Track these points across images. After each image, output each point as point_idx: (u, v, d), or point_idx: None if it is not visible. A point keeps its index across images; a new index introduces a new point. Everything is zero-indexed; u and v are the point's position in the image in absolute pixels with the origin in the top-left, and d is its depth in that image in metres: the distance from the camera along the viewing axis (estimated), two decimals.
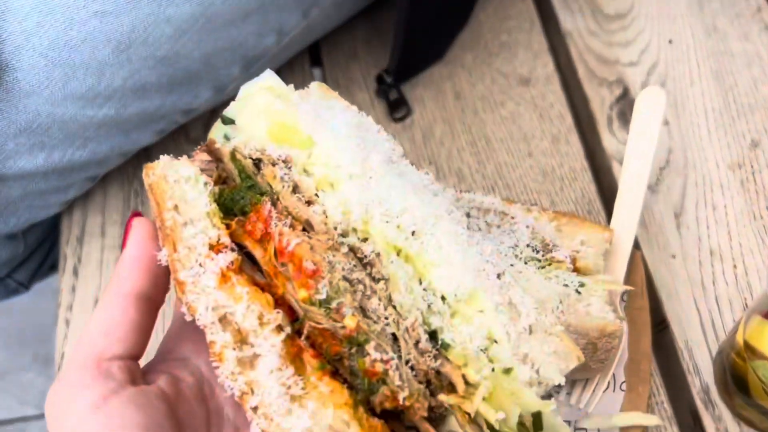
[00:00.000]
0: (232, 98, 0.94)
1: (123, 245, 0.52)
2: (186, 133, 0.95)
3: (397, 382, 0.47)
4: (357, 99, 1.00)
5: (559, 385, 0.79)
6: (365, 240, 0.52)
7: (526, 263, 0.73)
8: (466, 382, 0.49)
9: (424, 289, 0.51)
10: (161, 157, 0.53)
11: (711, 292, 0.87)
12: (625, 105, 1.00)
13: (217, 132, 0.59)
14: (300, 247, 0.49)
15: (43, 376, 1.75)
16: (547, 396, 0.52)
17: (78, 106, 0.75)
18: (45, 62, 0.72)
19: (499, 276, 0.53)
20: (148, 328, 0.51)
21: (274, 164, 0.54)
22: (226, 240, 0.51)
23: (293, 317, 0.50)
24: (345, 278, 0.49)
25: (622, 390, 0.77)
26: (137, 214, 0.53)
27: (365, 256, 0.51)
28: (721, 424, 0.80)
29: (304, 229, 0.52)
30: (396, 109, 0.98)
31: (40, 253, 0.95)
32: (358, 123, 0.57)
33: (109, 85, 0.75)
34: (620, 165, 0.95)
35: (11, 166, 0.76)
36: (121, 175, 0.92)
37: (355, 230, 0.52)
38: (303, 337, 0.49)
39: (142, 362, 0.53)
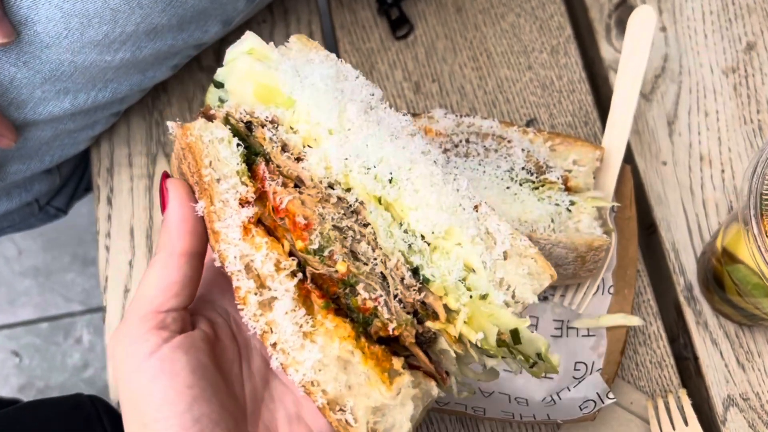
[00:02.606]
0: (240, 29, 0.98)
1: (163, 206, 0.57)
2: (199, 63, 0.99)
3: (386, 316, 0.54)
4: (360, 17, 1.02)
5: (551, 287, 0.87)
6: (349, 190, 0.57)
7: (521, 185, 0.79)
8: (448, 310, 0.55)
9: (405, 231, 0.57)
10: (197, 121, 0.58)
11: (699, 196, 0.94)
12: (623, 12, 1.01)
13: (211, 96, 0.63)
14: (292, 204, 0.55)
15: (83, 275, 1.88)
16: (524, 313, 0.58)
17: (96, 52, 0.80)
18: (61, 14, 0.76)
19: (476, 208, 0.58)
20: (197, 279, 0.57)
21: (263, 126, 0.60)
22: (252, 196, 0.56)
23: (300, 262, 0.56)
24: (335, 227, 0.55)
25: (610, 293, 0.85)
26: (166, 175, 0.59)
27: (351, 205, 0.57)
28: (701, 317, 0.89)
29: (295, 185, 0.57)
30: (398, 27, 1.01)
31: (74, 179, 1.03)
32: (336, 73, 0.61)
33: (123, 30, 0.79)
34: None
35: (41, 112, 0.82)
36: (141, 108, 0.97)
37: (339, 182, 0.57)
38: (309, 281, 0.55)
39: None
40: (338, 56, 1.01)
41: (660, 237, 0.92)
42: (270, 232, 0.57)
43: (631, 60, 0.83)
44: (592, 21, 1.02)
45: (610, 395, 0.77)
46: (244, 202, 0.56)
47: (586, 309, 0.86)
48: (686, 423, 0.82)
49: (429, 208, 0.56)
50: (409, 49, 1.01)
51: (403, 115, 0.62)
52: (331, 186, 0.57)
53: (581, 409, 0.77)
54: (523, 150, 0.81)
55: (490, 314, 0.55)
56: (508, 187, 0.78)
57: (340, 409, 0.54)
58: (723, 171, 0.94)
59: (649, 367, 0.88)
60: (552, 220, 0.77)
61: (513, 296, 0.57)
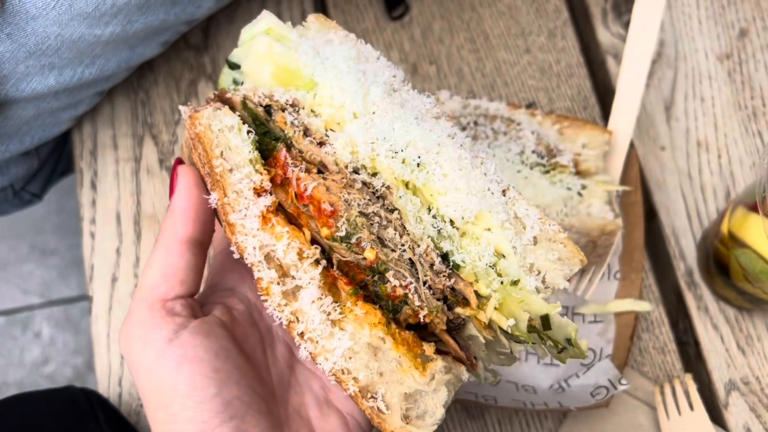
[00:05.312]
0: (231, 6, 0.94)
1: (171, 192, 0.55)
2: (186, 41, 0.94)
3: (417, 303, 0.53)
4: None
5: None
6: (375, 174, 0.55)
7: (531, 169, 0.77)
8: (479, 296, 0.55)
9: (434, 217, 0.55)
10: (206, 109, 0.55)
11: (697, 181, 0.94)
12: None
13: (225, 78, 0.60)
14: (317, 190, 0.53)
15: (42, 266, 1.80)
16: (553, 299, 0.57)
17: (85, 25, 0.75)
18: None
19: (504, 192, 0.57)
20: (201, 267, 0.56)
21: (283, 109, 0.57)
22: (267, 184, 0.54)
23: (324, 249, 0.55)
24: (361, 213, 0.54)
25: (617, 279, 0.84)
26: (180, 161, 0.56)
27: (377, 190, 0.55)
28: (702, 302, 0.89)
29: (319, 171, 0.55)
30: (394, 7, 0.98)
31: (50, 163, 0.97)
32: (357, 54, 0.58)
33: (114, 3, 0.74)
34: (614, 59, 0.98)
35: (24, 89, 0.77)
36: (126, 88, 0.92)
37: (364, 166, 0.56)
38: (335, 268, 0.54)
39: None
40: None
41: (660, 222, 0.92)
42: (290, 219, 0.55)
43: (638, 42, 0.82)
44: (589, 5, 1.01)
45: (623, 381, 0.76)
46: (260, 191, 0.54)
47: (592, 295, 0.85)
48: (692, 408, 0.82)
49: (458, 192, 0.55)
50: (404, 30, 0.98)
51: (427, 97, 0.60)
52: (356, 171, 0.55)
53: (593, 396, 0.76)
54: (532, 133, 0.79)
55: (521, 300, 0.54)
56: (519, 171, 0.76)
57: (372, 397, 0.53)
58: (720, 156, 0.94)
59: (653, 353, 0.87)
60: (564, 204, 0.76)
61: (543, 281, 0.56)
